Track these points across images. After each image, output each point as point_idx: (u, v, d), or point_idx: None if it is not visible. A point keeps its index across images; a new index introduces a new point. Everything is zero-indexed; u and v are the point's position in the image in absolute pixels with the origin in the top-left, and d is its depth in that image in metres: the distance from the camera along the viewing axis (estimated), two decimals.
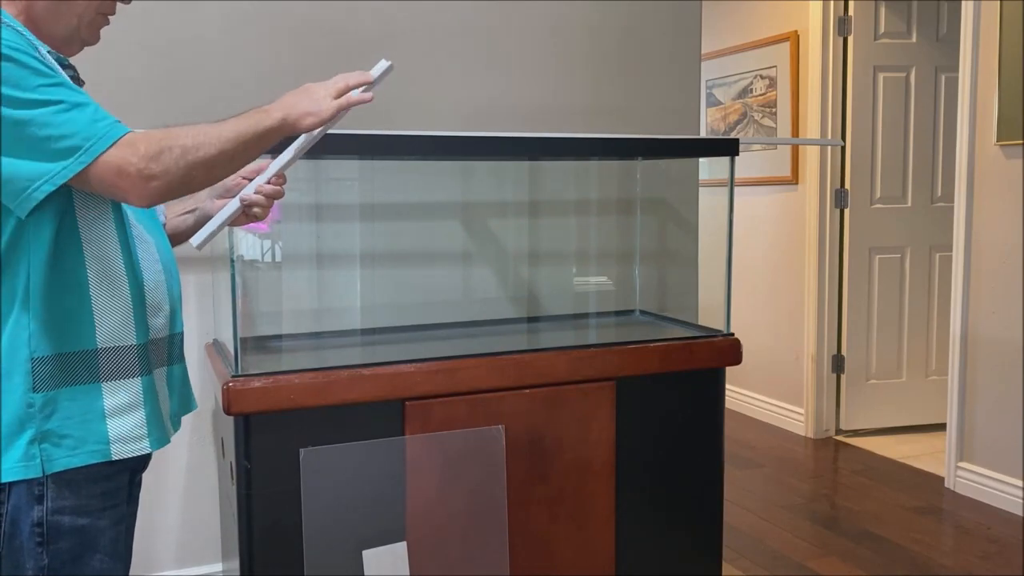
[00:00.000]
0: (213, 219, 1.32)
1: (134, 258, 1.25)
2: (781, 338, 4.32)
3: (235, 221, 1.36)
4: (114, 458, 1.20)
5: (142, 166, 1.11)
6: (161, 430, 1.29)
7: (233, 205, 1.32)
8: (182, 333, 1.39)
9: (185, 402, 1.43)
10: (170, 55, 2.26)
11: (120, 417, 1.22)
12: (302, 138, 1.31)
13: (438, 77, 2.51)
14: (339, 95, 1.27)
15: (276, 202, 1.38)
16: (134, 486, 1.34)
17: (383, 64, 1.31)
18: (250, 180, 1.36)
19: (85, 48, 1.34)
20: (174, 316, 1.35)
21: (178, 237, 1.50)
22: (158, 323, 1.30)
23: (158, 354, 1.31)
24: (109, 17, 1.31)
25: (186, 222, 1.50)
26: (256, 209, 1.34)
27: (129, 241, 1.24)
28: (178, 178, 1.13)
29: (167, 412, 1.33)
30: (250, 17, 2.31)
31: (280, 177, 1.35)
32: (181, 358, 1.39)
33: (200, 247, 1.30)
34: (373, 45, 2.43)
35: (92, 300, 1.19)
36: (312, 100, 1.25)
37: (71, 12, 1.24)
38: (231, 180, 1.40)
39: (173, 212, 1.50)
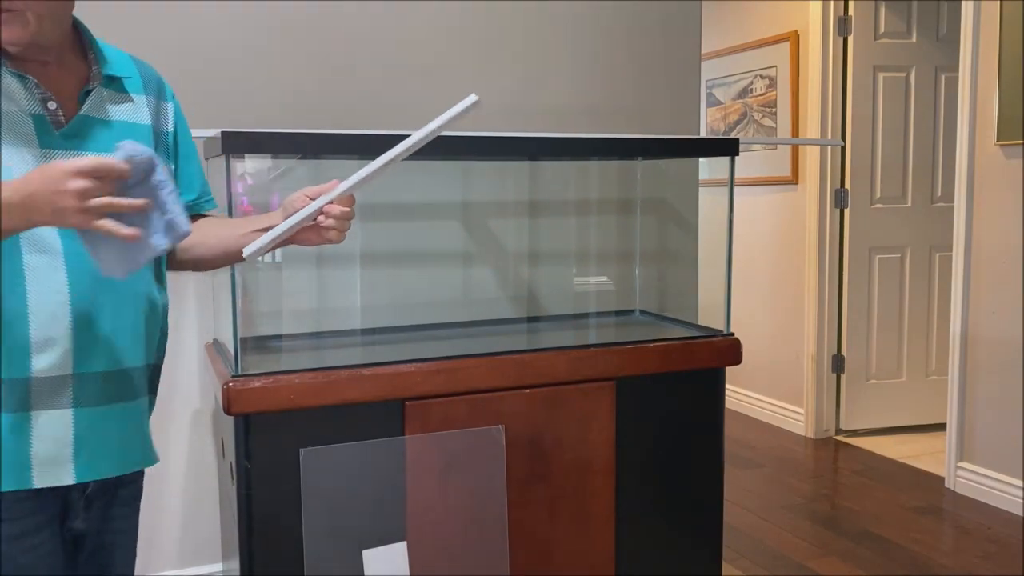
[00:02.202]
0: (269, 233, 1.26)
1: (13, 285, 1.14)
2: (781, 338, 4.32)
3: (304, 240, 1.31)
4: None
5: None
6: (15, 476, 1.17)
7: (289, 222, 1.26)
8: (104, 373, 1.23)
9: (113, 454, 1.26)
10: (164, 58, 2.26)
11: None
12: (380, 160, 1.25)
13: (438, 77, 2.51)
14: (93, 212, 1.03)
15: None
16: (77, 506, 1.26)
17: (471, 99, 1.20)
18: (313, 199, 1.29)
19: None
20: (83, 352, 1.20)
21: (233, 257, 1.40)
22: (43, 361, 1.16)
23: (39, 394, 1.17)
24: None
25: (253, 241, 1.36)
26: (331, 233, 1.30)
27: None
28: None
29: (43, 458, 1.19)
30: (247, 17, 2.31)
31: (349, 198, 1.30)
32: (92, 402, 1.22)
33: (249, 258, 1.26)
34: (373, 45, 2.43)
35: None
36: (57, 211, 1.03)
37: None
38: (298, 200, 1.31)
39: (240, 230, 1.38)
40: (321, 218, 1.28)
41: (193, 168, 1.46)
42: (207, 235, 1.40)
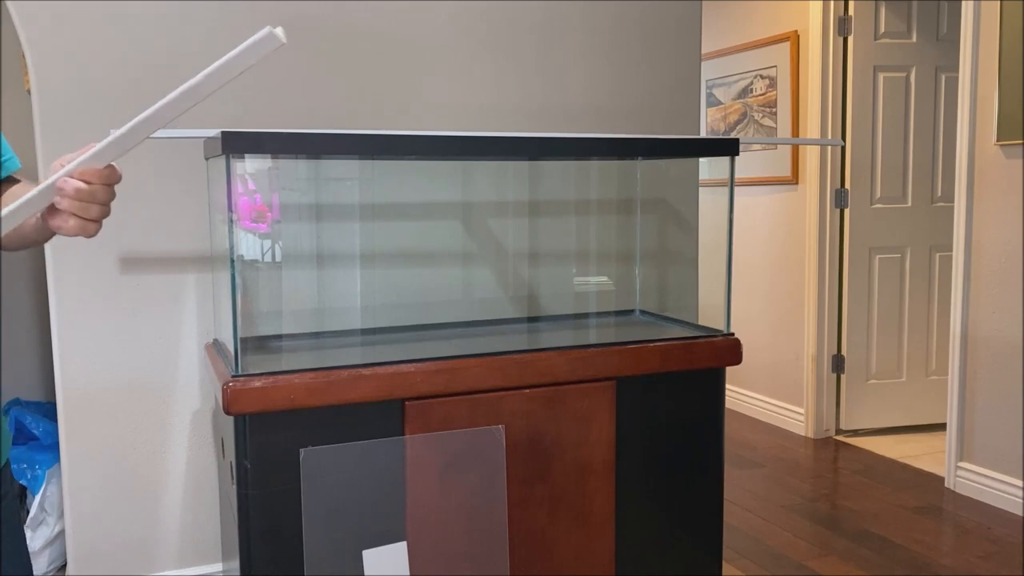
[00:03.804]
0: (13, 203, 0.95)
1: None
2: (781, 338, 4.32)
3: (56, 225, 0.98)
4: None
5: None
6: None
7: (21, 200, 0.95)
8: None
9: None
10: (165, 56, 2.26)
11: None
12: (133, 122, 0.92)
13: (437, 77, 2.51)
14: None
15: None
16: None
17: (265, 31, 0.88)
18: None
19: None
20: None
21: (28, 235, 1.12)
22: None
23: None
24: None
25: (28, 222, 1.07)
26: (70, 221, 0.96)
27: None
28: None
29: None
30: (242, 15, 2.31)
31: (100, 171, 0.94)
32: None
33: None
34: (379, 44, 2.43)
35: None
36: None
37: None
38: (54, 169, 0.98)
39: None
40: (57, 199, 0.94)
41: None
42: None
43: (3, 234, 0.96)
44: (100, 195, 0.95)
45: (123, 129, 0.91)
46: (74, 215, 0.95)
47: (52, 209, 0.97)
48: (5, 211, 0.94)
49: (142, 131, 0.91)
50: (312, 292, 2.35)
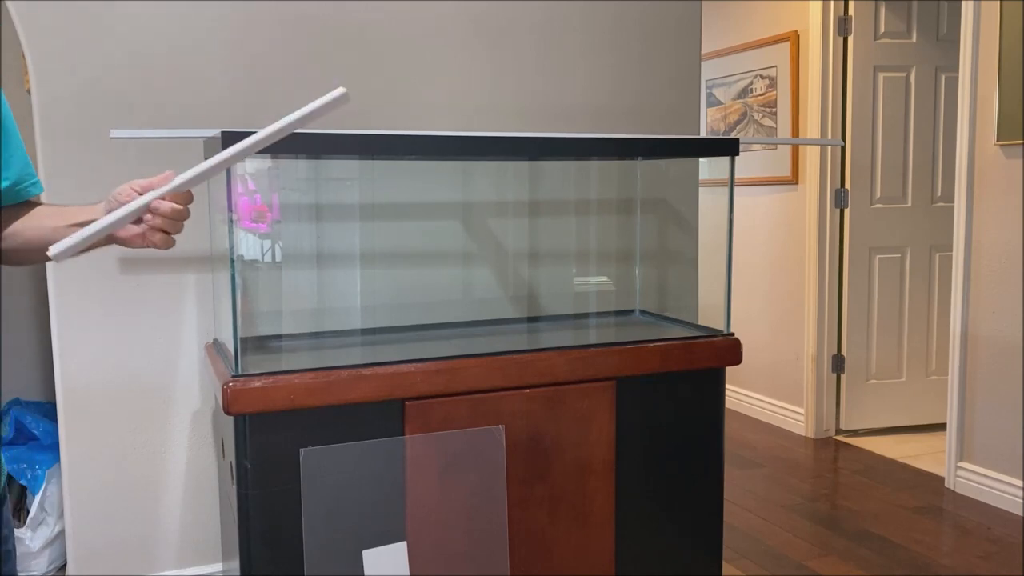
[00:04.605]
0: (84, 230, 1.07)
1: None
2: (781, 338, 4.32)
3: (128, 240, 1.15)
4: None
5: None
6: None
7: (108, 219, 1.09)
8: None
9: None
10: (164, 57, 2.26)
11: None
12: (225, 153, 1.10)
13: (437, 77, 2.51)
14: None
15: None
16: None
17: (339, 91, 1.08)
18: (141, 193, 1.13)
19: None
20: None
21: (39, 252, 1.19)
22: None
23: None
24: None
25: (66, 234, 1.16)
26: (157, 236, 1.14)
27: None
28: None
29: None
30: (242, 15, 2.31)
31: (185, 194, 1.14)
32: None
33: (57, 259, 1.05)
34: (379, 44, 2.43)
35: None
36: None
37: None
38: (124, 192, 1.15)
39: (65, 221, 1.21)
40: (148, 216, 1.13)
41: (9, 149, 1.24)
42: (26, 226, 1.23)
43: (81, 249, 1.09)
44: (184, 215, 1.15)
45: (204, 165, 1.09)
46: (161, 231, 1.14)
47: (131, 227, 1.14)
48: (100, 224, 1.08)
49: (220, 166, 1.10)
50: (312, 292, 2.35)
